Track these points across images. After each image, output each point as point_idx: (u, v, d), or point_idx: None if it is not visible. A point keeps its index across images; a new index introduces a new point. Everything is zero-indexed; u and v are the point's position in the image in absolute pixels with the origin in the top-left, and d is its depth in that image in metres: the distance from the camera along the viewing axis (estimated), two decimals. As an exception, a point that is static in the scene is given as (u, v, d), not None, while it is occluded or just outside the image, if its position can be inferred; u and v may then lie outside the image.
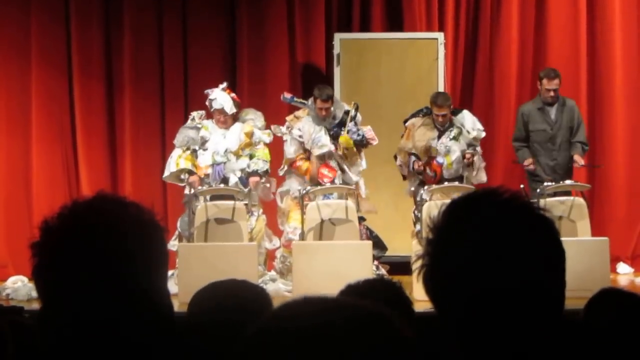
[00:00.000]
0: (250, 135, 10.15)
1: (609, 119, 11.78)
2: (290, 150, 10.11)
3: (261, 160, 10.12)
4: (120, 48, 11.74)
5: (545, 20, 11.87)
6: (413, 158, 10.10)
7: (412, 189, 10.21)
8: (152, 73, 11.81)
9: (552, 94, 10.34)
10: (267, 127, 10.36)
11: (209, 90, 10.31)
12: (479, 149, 10.25)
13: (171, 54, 11.82)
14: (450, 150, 10.07)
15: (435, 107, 10.05)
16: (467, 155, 10.05)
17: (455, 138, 10.10)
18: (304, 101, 10.39)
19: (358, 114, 10.24)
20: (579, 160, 10.33)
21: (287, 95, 10.57)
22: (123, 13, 11.71)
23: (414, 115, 10.34)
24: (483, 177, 10.24)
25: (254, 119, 10.30)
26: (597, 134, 11.72)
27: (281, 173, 10.28)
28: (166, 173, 10.28)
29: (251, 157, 10.17)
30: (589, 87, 11.84)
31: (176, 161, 10.14)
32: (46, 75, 11.63)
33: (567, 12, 11.85)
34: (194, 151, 10.18)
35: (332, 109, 10.09)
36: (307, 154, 10.13)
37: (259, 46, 11.84)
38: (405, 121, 10.34)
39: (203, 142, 10.15)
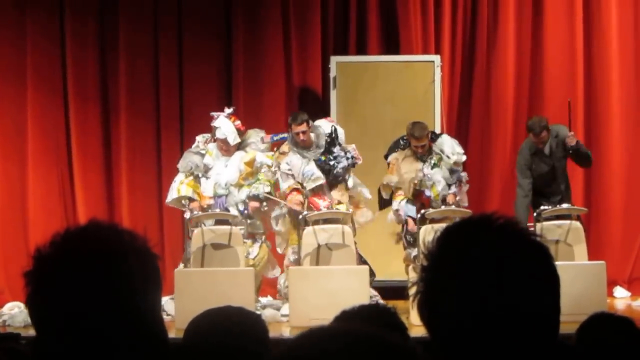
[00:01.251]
0: (251, 163, 9.97)
1: (606, 142, 11.74)
2: (284, 185, 9.93)
3: (262, 184, 9.94)
4: (115, 69, 11.71)
5: (542, 41, 11.87)
6: (410, 220, 9.89)
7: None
8: (148, 94, 11.77)
9: (540, 145, 10.22)
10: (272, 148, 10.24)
11: (214, 114, 10.17)
12: (464, 174, 10.15)
13: (167, 75, 11.79)
14: (434, 182, 9.96)
15: (414, 139, 9.90)
16: (450, 199, 9.95)
17: (436, 165, 10.00)
18: (284, 135, 10.22)
19: (339, 134, 10.08)
20: (571, 140, 10.10)
21: (267, 138, 10.29)
22: (118, 34, 11.70)
23: (392, 149, 10.22)
24: (464, 202, 10.11)
25: (256, 141, 10.12)
26: (593, 157, 11.67)
27: (279, 210, 10.15)
28: (168, 198, 10.15)
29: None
30: (586, 108, 11.82)
31: (177, 187, 10.01)
32: (41, 96, 11.60)
33: (564, 33, 11.85)
34: (197, 177, 10.05)
35: (311, 134, 9.95)
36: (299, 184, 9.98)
37: (255, 68, 11.81)
38: (386, 156, 10.20)
39: (207, 169, 10.03)
